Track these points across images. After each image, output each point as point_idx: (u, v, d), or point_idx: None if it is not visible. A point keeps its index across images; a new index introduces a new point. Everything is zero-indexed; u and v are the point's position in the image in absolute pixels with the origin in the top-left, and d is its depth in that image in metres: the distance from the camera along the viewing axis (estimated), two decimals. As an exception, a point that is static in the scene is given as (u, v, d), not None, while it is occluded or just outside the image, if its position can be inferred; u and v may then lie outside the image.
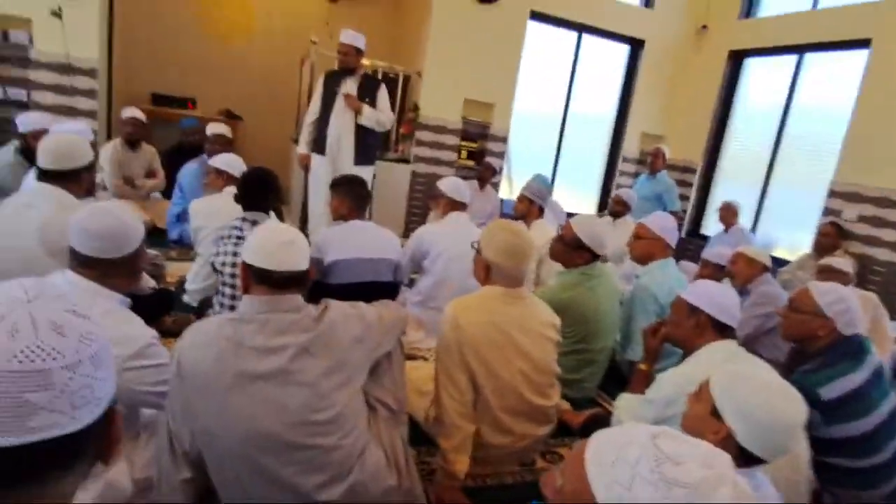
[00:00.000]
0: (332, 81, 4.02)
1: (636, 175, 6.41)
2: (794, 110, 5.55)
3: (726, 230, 5.13)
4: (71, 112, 4.47)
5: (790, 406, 1.14)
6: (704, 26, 6.39)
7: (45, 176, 2.08)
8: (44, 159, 2.07)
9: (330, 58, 4.64)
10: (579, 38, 6.23)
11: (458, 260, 2.89)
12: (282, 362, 1.32)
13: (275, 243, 1.38)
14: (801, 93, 5.53)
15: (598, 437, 0.69)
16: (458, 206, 3.20)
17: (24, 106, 4.20)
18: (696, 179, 6.43)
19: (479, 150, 5.94)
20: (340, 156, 4.03)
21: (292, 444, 1.31)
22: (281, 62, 6.90)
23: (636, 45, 6.43)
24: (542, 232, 3.57)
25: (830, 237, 4.40)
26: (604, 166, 6.80)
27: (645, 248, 2.90)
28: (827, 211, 4.86)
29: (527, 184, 3.87)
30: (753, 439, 1.12)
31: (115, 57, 5.29)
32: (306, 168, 4.20)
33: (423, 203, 5.61)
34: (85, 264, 1.40)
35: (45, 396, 0.53)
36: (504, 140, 6.01)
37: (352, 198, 2.76)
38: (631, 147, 6.63)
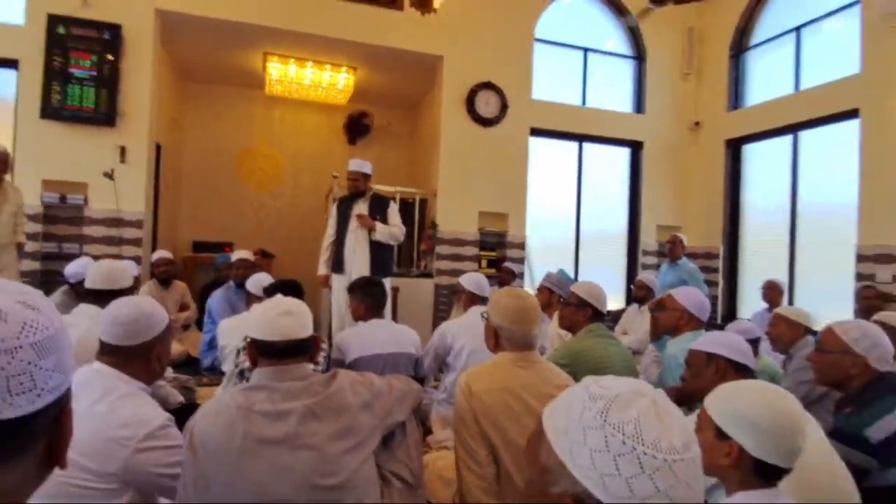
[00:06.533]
0: (345, 205, 4.36)
1: (657, 266, 6.42)
2: (803, 185, 5.66)
3: (770, 309, 4.94)
4: (117, 259, 4.88)
5: (786, 400, 1.13)
6: (697, 122, 6.77)
7: (89, 295, 2.26)
8: (91, 280, 2.28)
9: (349, 188, 5.06)
10: (580, 146, 6.66)
11: (481, 353, 2.88)
12: (290, 426, 1.34)
13: (274, 315, 1.46)
14: (805, 167, 5.67)
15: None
16: (479, 300, 3.25)
17: (76, 258, 4.60)
18: (720, 264, 6.39)
19: (499, 257, 6.11)
20: (357, 272, 4.22)
21: (301, 513, 1.28)
22: (308, 201, 7.53)
23: (636, 147, 6.81)
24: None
25: (872, 299, 4.24)
26: (625, 261, 6.86)
27: (668, 318, 2.77)
28: (860, 276, 4.73)
29: (546, 275, 3.94)
30: (764, 446, 1.09)
31: (161, 209, 5.86)
32: (329, 287, 4.39)
33: (448, 312, 5.68)
34: (107, 351, 1.50)
35: None
36: (521, 246, 6.19)
37: (368, 299, 2.86)
38: (649, 240, 6.74)
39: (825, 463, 1.41)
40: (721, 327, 5.79)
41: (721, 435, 1.13)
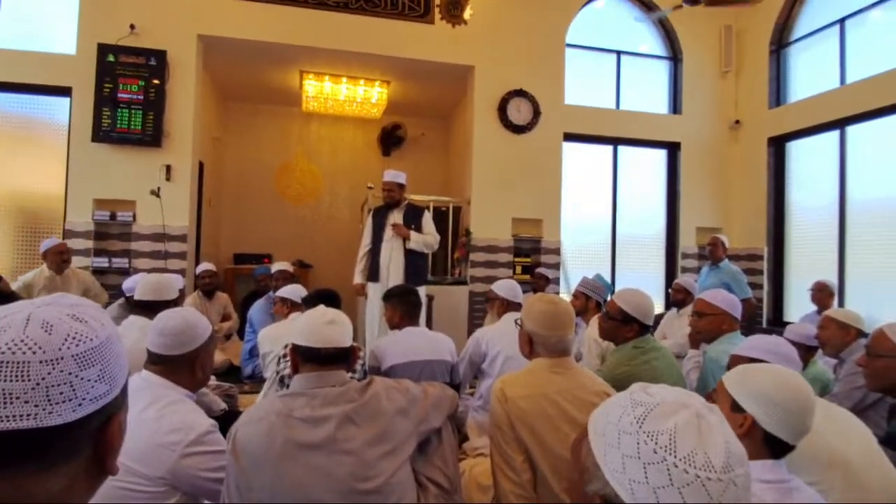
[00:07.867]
0: (380, 215, 4.43)
1: (698, 269, 6.25)
2: (852, 181, 5.43)
3: (819, 312, 4.73)
4: (163, 272, 5.09)
5: (800, 382, 1.20)
6: (737, 121, 6.59)
7: (138, 307, 2.38)
8: (140, 292, 2.39)
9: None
10: (615, 149, 6.57)
11: (516, 360, 2.87)
12: (329, 431, 1.37)
13: (318, 324, 1.51)
14: (853, 163, 5.44)
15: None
16: (513, 306, 3.24)
17: (126, 272, 4.83)
18: (765, 266, 6.18)
19: (533, 263, 6.07)
20: (392, 280, 4.28)
21: (340, 516, 1.31)
22: (344, 212, 7.69)
23: (673, 148, 6.67)
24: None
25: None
26: (663, 265, 6.71)
27: (711, 324, 2.66)
28: (917, 275, 4.49)
29: (582, 280, 3.90)
30: (775, 420, 1.15)
31: (203, 223, 6.09)
32: (364, 296, 4.47)
33: (483, 319, 5.66)
34: (154, 361, 1.57)
35: (19, 387, 0.55)
36: (556, 251, 6.14)
37: (403, 306, 2.90)
38: (688, 243, 6.58)
39: (875, 462, 1.39)
40: (766, 331, 5.62)
41: (736, 408, 1.20)
